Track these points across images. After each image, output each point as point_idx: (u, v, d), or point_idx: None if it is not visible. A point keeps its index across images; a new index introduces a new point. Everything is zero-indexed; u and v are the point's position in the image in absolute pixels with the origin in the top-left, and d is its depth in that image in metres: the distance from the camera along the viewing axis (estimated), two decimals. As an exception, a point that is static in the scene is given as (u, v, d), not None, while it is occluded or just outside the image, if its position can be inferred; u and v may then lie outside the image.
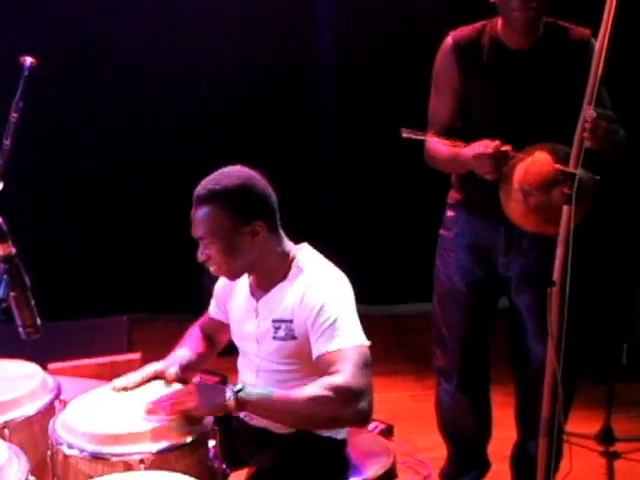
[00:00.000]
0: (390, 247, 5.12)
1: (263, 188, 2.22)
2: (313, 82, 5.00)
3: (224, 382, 3.67)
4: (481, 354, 3.04)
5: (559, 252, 2.46)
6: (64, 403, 2.29)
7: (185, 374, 2.35)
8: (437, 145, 2.77)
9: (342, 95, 4.97)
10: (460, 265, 2.92)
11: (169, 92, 4.83)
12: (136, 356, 3.48)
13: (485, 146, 2.57)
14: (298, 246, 2.31)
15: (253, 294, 2.32)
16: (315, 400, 2.01)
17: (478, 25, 2.78)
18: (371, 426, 3.66)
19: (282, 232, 2.29)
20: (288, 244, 2.29)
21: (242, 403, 2.04)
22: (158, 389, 2.25)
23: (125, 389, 2.27)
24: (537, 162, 2.58)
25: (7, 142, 2.82)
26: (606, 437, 3.55)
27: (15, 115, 2.81)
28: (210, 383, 2.29)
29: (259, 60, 4.79)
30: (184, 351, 2.43)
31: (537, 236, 2.73)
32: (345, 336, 2.10)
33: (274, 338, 2.23)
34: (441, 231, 2.98)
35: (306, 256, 2.28)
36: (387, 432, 3.71)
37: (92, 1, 4.69)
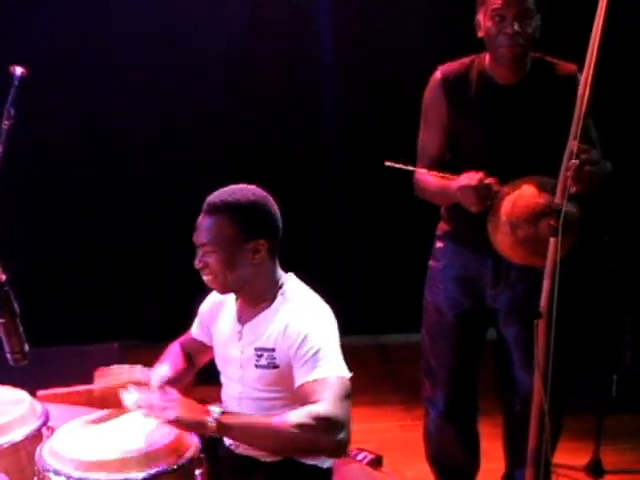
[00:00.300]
0: (379, 277, 5.14)
1: (274, 210, 2.28)
2: (314, 113, 5.06)
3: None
4: (469, 385, 3.05)
5: (545, 284, 2.48)
6: (52, 430, 2.29)
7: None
8: (426, 177, 2.81)
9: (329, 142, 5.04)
10: (448, 296, 2.94)
11: (166, 102, 4.85)
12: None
13: (469, 178, 2.61)
14: (286, 275, 2.34)
15: (239, 318, 2.34)
16: (297, 428, 2.02)
17: (466, 60, 2.82)
18: (360, 456, 3.65)
19: (277, 260, 2.33)
20: (279, 272, 2.33)
21: (223, 426, 2.05)
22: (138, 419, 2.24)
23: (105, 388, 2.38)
24: (524, 195, 2.61)
25: None
26: (595, 469, 3.54)
27: (7, 123, 2.81)
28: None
29: (260, 72, 4.84)
30: (165, 368, 2.45)
31: (525, 268, 2.75)
32: (327, 367, 2.12)
33: (256, 366, 2.25)
34: (430, 262, 3.01)
35: (292, 286, 2.31)
36: (376, 462, 3.69)
37: (91, 13, 4.72)
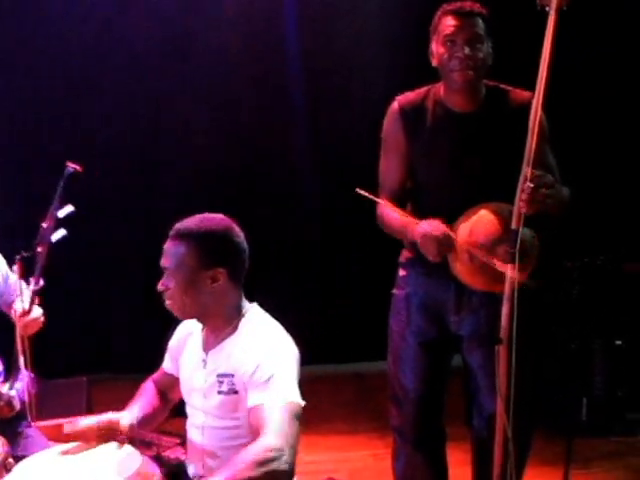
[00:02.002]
0: (354, 306, 5.16)
1: (238, 240, 2.32)
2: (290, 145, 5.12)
3: (183, 443, 3.65)
4: (435, 412, 3.05)
5: (504, 309, 2.51)
6: (11, 465, 2.27)
7: (140, 428, 2.38)
8: (389, 212, 2.84)
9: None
10: (413, 324, 2.95)
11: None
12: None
13: (432, 227, 2.65)
14: (250, 304, 2.38)
15: (204, 347, 2.37)
16: (257, 466, 2.02)
17: (422, 90, 2.86)
18: (331, 486, 3.65)
19: (242, 290, 2.35)
20: (243, 301, 2.36)
21: None
22: (108, 452, 2.24)
23: (75, 432, 2.30)
24: (481, 222, 2.64)
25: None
26: (565, 494, 3.54)
27: (48, 224, 2.80)
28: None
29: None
30: (139, 405, 2.46)
31: (487, 294, 2.77)
32: (276, 392, 2.15)
33: (219, 392, 2.28)
34: (394, 290, 3.03)
35: (254, 314, 2.35)
36: (347, 491, 3.69)
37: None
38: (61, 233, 2.84)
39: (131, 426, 2.33)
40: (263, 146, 5.10)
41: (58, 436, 2.36)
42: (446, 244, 2.64)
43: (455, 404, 3.13)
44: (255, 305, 2.39)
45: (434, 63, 2.78)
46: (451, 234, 2.65)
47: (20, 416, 2.85)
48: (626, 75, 4.75)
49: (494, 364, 2.55)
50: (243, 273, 2.34)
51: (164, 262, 2.30)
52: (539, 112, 2.46)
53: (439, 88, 2.82)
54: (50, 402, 3.98)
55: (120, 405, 2.54)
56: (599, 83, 4.63)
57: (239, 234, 2.33)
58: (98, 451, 2.26)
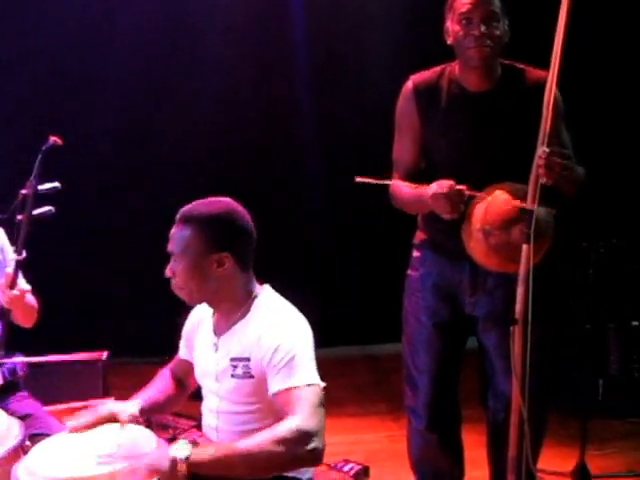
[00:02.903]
0: (367, 288, 5.15)
1: (243, 224, 2.29)
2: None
3: (199, 426, 3.66)
4: (451, 393, 3.05)
5: (520, 290, 2.50)
6: (29, 448, 2.28)
7: (149, 414, 2.39)
8: (400, 187, 2.82)
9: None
10: (427, 305, 2.94)
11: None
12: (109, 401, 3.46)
13: (440, 186, 2.62)
14: (261, 287, 2.36)
15: (215, 331, 2.37)
16: (277, 444, 2.02)
17: (437, 69, 2.84)
18: (346, 467, 3.65)
19: (252, 272, 2.34)
20: (254, 284, 2.34)
21: (194, 468, 2.02)
22: (113, 432, 2.25)
23: (77, 429, 2.28)
24: (496, 202, 2.62)
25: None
26: (581, 474, 3.51)
27: (26, 192, 2.80)
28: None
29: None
30: (150, 392, 2.47)
31: (502, 275, 2.76)
32: (300, 375, 2.14)
33: (232, 376, 2.27)
34: (408, 271, 3.02)
35: (266, 297, 2.33)
36: (363, 473, 3.69)
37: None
38: (46, 208, 2.82)
39: (132, 418, 2.30)
40: (266, 141, 5.12)
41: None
42: (457, 198, 2.61)
43: (471, 386, 3.12)
44: (267, 287, 2.37)
45: (449, 41, 2.76)
46: (459, 187, 2.61)
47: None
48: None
49: (509, 345, 2.54)
50: (251, 256, 2.32)
51: (171, 247, 2.28)
52: (554, 90, 2.43)
53: (454, 67, 2.80)
54: (66, 385, 4.02)
55: (135, 389, 2.55)
56: (611, 69, 4.59)
57: (245, 217, 2.31)
58: (114, 433, 2.26)
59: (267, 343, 2.19)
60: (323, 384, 2.18)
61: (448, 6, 2.76)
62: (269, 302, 2.32)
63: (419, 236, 2.98)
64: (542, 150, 2.44)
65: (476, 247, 2.68)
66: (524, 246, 2.49)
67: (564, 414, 3.98)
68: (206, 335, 2.40)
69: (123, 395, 3.34)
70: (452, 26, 2.74)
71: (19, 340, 2.91)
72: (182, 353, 2.55)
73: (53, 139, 2.84)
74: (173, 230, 2.29)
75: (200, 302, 2.37)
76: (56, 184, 2.82)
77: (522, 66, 2.81)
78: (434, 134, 2.81)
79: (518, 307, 2.50)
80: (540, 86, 2.66)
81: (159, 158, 5.07)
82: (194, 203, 2.31)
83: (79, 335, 4.77)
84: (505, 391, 2.84)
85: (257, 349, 2.21)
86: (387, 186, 2.87)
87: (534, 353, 2.53)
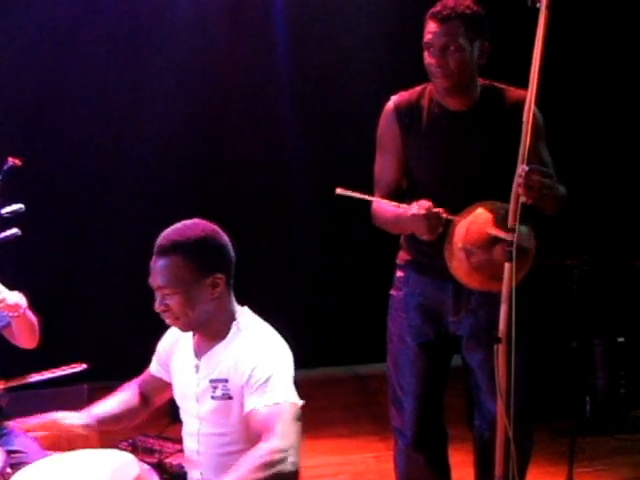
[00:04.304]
0: (353, 308, 5.15)
1: (224, 242, 2.28)
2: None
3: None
4: (436, 413, 3.03)
5: (503, 308, 2.49)
6: (9, 475, 2.25)
7: (104, 425, 2.36)
8: (381, 206, 2.83)
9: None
10: (411, 325, 2.93)
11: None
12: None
13: (419, 207, 2.62)
14: (241, 308, 2.35)
15: (196, 352, 2.35)
16: (262, 469, 2.00)
17: (418, 88, 2.85)
18: (334, 488, 3.64)
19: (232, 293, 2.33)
20: (235, 304, 2.34)
21: None
22: (96, 458, 2.21)
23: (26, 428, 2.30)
24: (478, 221, 2.62)
25: None
26: (569, 492, 3.53)
27: None
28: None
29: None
30: (109, 403, 2.44)
31: (485, 294, 2.75)
32: (276, 393, 2.13)
33: (212, 397, 2.26)
34: (391, 292, 3.01)
35: (246, 319, 2.32)
36: (350, 494, 3.68)
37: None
38: (12, 231, 2.80)
39: (85, 427, 2.29)
40: (250, 155, 5.13)
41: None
42: (435, 221, 2.61)
43: (457, 405, 3.11)
44: (246, 308, 2.37)
45: None
46: (437, 210, 2.61)
47: None
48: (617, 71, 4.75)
49: (493, 364, 2.53)
50: (233, 275, 2.30)
51: (156, 282, 2.21)
52: (532, 109, 2.44)
53: (434, 86, 2.81)
54: (50, 409, 3.99)
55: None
56: (592, 86, 4.63)
57: (224, 235, 2.29)
58: (96, 459, 2.24)
59: (244, 365, 2.18)
60: (300, 402, 2.18)
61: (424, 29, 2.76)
62: (248, 324, 2.31)
63: (402, 256, 2.98)
64: (521, 168, 2.45)
65: (458, 266, 2.68)
66: (506, 264, 2.49)
67: (552, 432, 3.99)
68: (186, 357, 2.38)
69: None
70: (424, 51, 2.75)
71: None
72: (153, 368, 2.52)
73: (12, 161, 2.82)
74: (155, 264, 2.22)
75: (197, 328, 2.32)
76: (20, 206, 2.80)
77: (502, 85, 2.82)
78: (416, 153, 2.82)
79: (501, 325, 2.50)
80: (520, 105, 2.66)
81: (133, 177, 5.06)
82: (170, 231, 2.25)
83: (59, 359, 4.76)
84: (491, 410, 2.83)
85: (235, 371, 2.21)
86: (369, 204, 2.87)
87: (520, 370, 2.53)
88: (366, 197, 2.80)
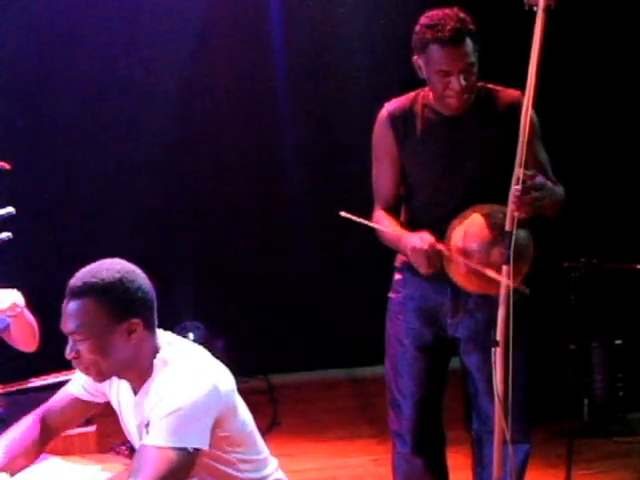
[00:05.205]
0: (350, 311, 5.15)
1: (143, 284, 2.09)
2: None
3: None
4: (434, 416, 3.04)
5: (500, 312, 2.50)
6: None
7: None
8: (382, 225, 2.83)
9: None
10: (410, 328, 2.93)
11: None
12: (91, 429, 3.43)
13: (422, 241, 2.63)
14: (162, 339, 2.17)
15: (134, 390, 2.17)
16: None
17: (411, 95, 2.84)
18: (331, 493, 3.65)
19: (156, 330, 2.16)
20: (157, 341, 2.15)
21: None
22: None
23: None
24: (475, 224, 2.63)
25: None
26: (567, 495, 3.53)
27: None
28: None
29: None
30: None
31: (483, 296, 2.76)
32: (163, 435, 1.94)
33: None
34: (390, 294, 3.01)
35: (166, 351, 2.13)
36: (348, 498, 3.68)
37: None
38: (3, 234, 2.76)
39: None
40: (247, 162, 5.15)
41: None
42: (435, 257, 2.62)
43: (455, 408, 3.11)
44: (167, 337, 2.17)
45: (422, 76, 2.73)
46: (439, 247, 2.62)
47: None
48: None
49: (491, 366, 2.53)
50: (155, 315, 2.12)
51: (67, 327, 2.03)
52: (529, 113, 2.45)
53: (428, 92, 2.79)
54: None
55: (115, 418, 2.51)
56: (590, 86, 4.63)
57: (142, 274, 2.11)
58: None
59: (155, 401, 2.01)
60: (200, 447, 1.98)
61: (419, 45, 2.69)
62: (169, 356, 2.10)
63: (400, 258, 2.98)
64: (515, 189, 2.44)
65: (456, 270, 2.68)
66: (504, 267, 2.49)
67: (550, 434, 3.99)
68: (125, 391, 2.20)
69: (102, 424, 3.33)
70: (427, 72, 2.69)
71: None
72: (78, 391, 2.29)
73: (0, 164, 2.80)
74: (66, 306, 2.04)
75: (111, 377, 2.14)
76: (10, 209, 2.77)
77: (495, 87, 2.82)
78: (411, 159, 2.82)
79: (499, 328, 2.50)
80: (514, 106, 2.68)
81: (133, 177, 5.06)
82: (82, 272, 2.07)
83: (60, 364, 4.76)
84: (489, 412, 2.83)
85: (150, 411, 2.02)
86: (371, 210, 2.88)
87: (517, 373, 2.54)
88: (368, 224, 2.81)
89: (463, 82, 2.64)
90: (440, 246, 2.63)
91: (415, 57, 2.73)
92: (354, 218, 2.72)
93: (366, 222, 2.80)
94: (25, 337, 2.89)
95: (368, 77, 5.04)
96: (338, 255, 5.16)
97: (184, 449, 1.93)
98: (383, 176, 2.88)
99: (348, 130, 4.94)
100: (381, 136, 2.86)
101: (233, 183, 5.13)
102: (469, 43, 2.63)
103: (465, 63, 2.63)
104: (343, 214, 2.72)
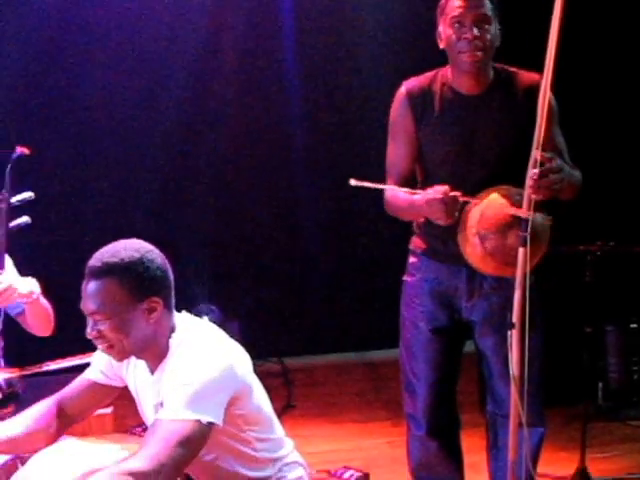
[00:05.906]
0: (364, 294, 5.15)
1: (162, 263, 2.11)
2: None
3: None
4: (449, 399, 3.04)
5: (516, 294, 2.49)
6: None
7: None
8: (395, 193, 2.82)
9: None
10: (425, 311, 2.93)
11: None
12: (107, 411, 3.46)
13: (435, 192, 2.61)
14: (179, 319, 2.19)
15: (151, 369, 2.19)
16: None
17: (429, 74, 2.84)
18: (347, 474, 3.65)
19: (174, 310, 2.18)
20: (174, 319, 2.17)
21: None
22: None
23: None
24: (492, 206, 2.61)
25: None
26: (582, 478, 3.53)
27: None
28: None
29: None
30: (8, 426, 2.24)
31: (498, 279, 2.76)
32: (175, 408, 1.95)
33: None
34: (405, 277, 3.01)
35: (182, 329, 2.15)
36: (363, 480, 3.70)
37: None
38: (23, 219, 2.80)
39: None
40: (258, 149, 5.15)
41: None
42: (452, 205, 2.59)
43: (469, 391, 3.11)
44: (182, 316, 2.20)
45: (442, 45, 2.76)
46: (454, 193, 2.59)
47: None
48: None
49: (506, 349, 2.53)
50: (173, 295, 2.14)
51: (88, 307, 2.05)
52: (547, 95, 2.43)
53: (446, 71, 2.80)
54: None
55: (131, 401, 2.51)
56: (607, 70, 4.59)
57: (160, 254, 2.12)
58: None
59: (171, 377, 2.02)
60: (213, 421, 1.98)
61: (440, 10, 2.76)
62: (185, 336, 2.12)
63: (415, 242, 2.97)
64: (532, 172, 2.43)
65: (472, 252, 2.67)
66: (520, 250, 2.48)
67: (564, 418, 3.99)
68: (143, 374, 2.21)
69: (118, 406, 3.35)
70: (444, 30, 2.73)
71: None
72: (97, 377, 2.31)
73: (20, 149, 2.81)
74: (86, 287, 2.05)
75: (133, 356, 2.16)
76: (30, 194, 2.79)
77: (514, 69, 2.81)
78: (429, 139, 2.81)
79: (515, 311, 2.50)
80: (532, 88, 2.67)
81: (145, 170, 5.07)
82: (101, 252, 2.08)
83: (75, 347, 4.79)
84: (503, 395, 2.83)
85: (164, 389, 2.04)
86: (382, 192, 2.86)
87: (533, 356, 2.55)
88: (380, 186, 2.78)
89: (476, 32, 2.65)
90: (455, 192, 2.60)
91: (438, 27, 2.76)
92: (366, 184, 2.68)
93: (379, 185, 2.77)
94: (40, 322, 2.91)
95: (380, 67, 5.01)
96: (353, 240, 5.16)
97: (197, 421, 1.94)
98: (398, 154, 2.87)
99: (362, 116, 4.93)
100: (398, 114, 2.85)
101: (249, 168, 5.13)
102: (486, 2, 2.68)
103: (479, 13, 2.66)
104: (353, 183, 2.68)
